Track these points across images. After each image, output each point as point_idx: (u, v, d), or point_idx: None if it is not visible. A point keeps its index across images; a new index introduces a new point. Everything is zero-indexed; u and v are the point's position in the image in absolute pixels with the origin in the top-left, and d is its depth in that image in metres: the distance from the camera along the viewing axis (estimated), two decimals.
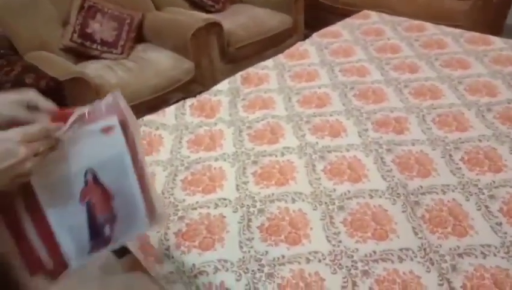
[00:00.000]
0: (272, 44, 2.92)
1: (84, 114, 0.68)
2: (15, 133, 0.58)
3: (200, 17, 2.59)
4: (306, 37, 2.36)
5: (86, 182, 0.71)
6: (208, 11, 2.96)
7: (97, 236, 0.76)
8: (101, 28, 2.48)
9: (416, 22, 2.30)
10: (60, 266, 0.74)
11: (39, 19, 2.40)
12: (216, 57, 2.65)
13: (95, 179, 0.72)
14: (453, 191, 1.23)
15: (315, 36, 2.24)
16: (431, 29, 2.22)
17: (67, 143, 0.67)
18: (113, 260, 1.82)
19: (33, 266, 0.71)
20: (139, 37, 2.67)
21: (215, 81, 2.04)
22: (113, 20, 2.53)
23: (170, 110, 1.70)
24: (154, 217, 0.84)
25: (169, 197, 1.28)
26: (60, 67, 2.15)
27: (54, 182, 0.68)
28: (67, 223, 0.72)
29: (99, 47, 2.49)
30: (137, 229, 0.85)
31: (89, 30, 2.46)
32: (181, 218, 1.20)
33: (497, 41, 2.03)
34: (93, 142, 0.70)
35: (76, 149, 0.68)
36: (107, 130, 0.71)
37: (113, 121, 0.72)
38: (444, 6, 2.86)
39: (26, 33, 2.34)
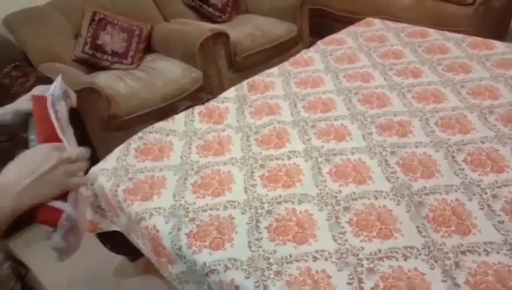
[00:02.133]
0: (277, 52, 2.97)
1: None
2: (47, 147, 0.66)
3: (207, 28, 2.66)
4: (311, 44, 2.41)
5: None
6: (215, 22, 3.03)
7: None
8: (111, 39, 2.56)
9: (419, 28, 2.34)
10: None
11: (52, 31, 2.48)
12: (223, 66, 2.72)
13: None
14: (456, 191, 1.26)
15: (319, 44, 2.29)
16: (434, 35, 2.25)
17: None
18: (126, 263, 1.87)
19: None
20: (148, 47, 2.75)
21: (223, 90, 2.09)
22: (123, 31, 2.60)
23: (180, 117, 1.75)
24: None
25: (180, 200, 1.33)
26: (72, 77, 2.22)
27: None
28: None
29: (109, 58, 2.56)
30: None
31: (99, 42, 2.53)
32: (192, 219, 1.25)
33: (499, 46, 2.06)
34: None
35: None
36: None
37: None
38: (446, 12, 2.90)
39: (40, 45, 2.42)
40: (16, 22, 2.42)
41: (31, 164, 0.61)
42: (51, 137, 0.72)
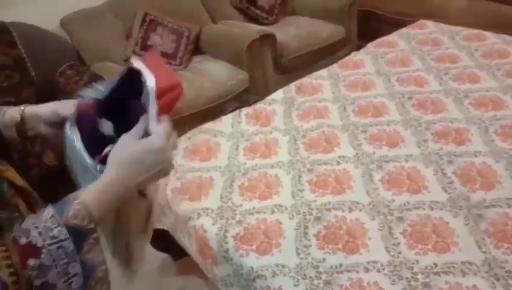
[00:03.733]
0: (324, 54, 2.93)
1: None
2: (159, 137, 0.65)
3: (255, 30, 2.66)
4: (359, 47, 2.35)
5: None
6: (262, 23, 3.02)
7: None
8: (161, 40, 2.61)
9: (475, 31, 2.22)
10: None
11: (105, 32, 2.56)
12: (269, 68, 2.70)
13: None
14: None
15: (370, 46, 2.23)
16: (491, 38, 2.14)
17: None
18: (169, 261, 1.89)
19: None
20: (196, 49, 2.78)
21: (268, 91, 2.08)
22: (172, 33, 2.65)
23: (227, 118, 1.75)
24: None
25: (227, 202, 1.32)
26: None
27: None
28: None
29: None
30: None
31: (149, 42, 2.59)
32: (239, 222, 1.24)
33: None
34: None
35: None
36: None
37: None
38: (503, 14, 2.75)
39: (93, 45, 2.51)
40: (72, 22, 2.52)
41: (143, 165, 0.64)
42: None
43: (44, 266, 0.52)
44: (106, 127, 0.74)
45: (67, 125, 0.72)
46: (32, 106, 0.74)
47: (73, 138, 0.70)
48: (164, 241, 1.62)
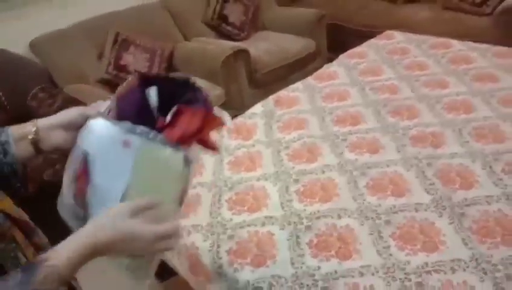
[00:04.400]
0: (296, 68, 2.99)
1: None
2: (150, 233, 0.63)
3: (228, 46, 2.69)
4: (329, 60, 2.42)
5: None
6: (234, 40, 3.06)
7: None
8: (134, 59, 2.60)
9: (441, 39, 2.33)
10: None
11: (76, 53, 2.53)
12: (244, 83, 2.74)
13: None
14: (497, 201, 1.24)
15: (342, 57, 2.30)
16: (456, 46, 2.25)
17: None
18: (155, 283, 1.85)
19: None
20: (170, 67, 2.78)
21: (244, 106, 2.10)
22: (145, 52, 2.64)
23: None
24: None
25: (216, 217, 1.32)
26: (98, 98, 2.24)
27: None
28: None
29: None
30: None
31: (122, 62, 2.57)
32: (230, 237, 1.24)
33: None
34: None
35: None
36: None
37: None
38: (466, 24, 2.90)
39: (65, 67, 2.47)
40: (42, 45, 2.48)
41: (129, 247, 0.63)
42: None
43: None
44: (152, 95, 0.72)
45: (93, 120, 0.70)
46: (43, 119, 0.73)
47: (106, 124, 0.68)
48: None
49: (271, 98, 1.98)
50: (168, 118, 0.69)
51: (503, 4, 2.72)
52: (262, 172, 1.50)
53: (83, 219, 0.68)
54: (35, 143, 0.70)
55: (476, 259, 1.07)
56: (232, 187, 1.44)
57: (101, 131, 0.68)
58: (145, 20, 2.82)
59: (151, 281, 1.83)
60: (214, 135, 0.75)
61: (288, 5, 3.63)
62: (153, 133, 0.67)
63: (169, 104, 0.70)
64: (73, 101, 2.18)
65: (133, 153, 0.66)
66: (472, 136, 1.52)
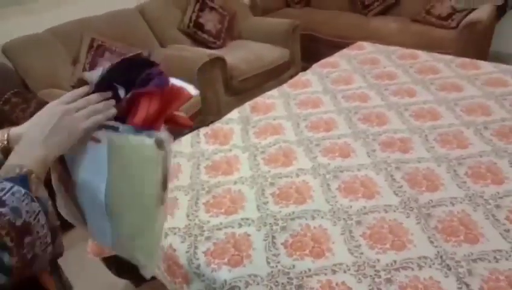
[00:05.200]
0: (271, 76, 3.05)
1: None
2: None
3: (204, 53, 2.72)
4: (303, 68, 2.50)
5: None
6: (209, 47, 3.10)
7: None
8: None
9: (409, 51, 2.45)
10: None
11: (50, 58, 2.50)
12: (220, 90, 2.77)
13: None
14: (461, 203, 1.32)
15: (315, 67, 2.37)
16: (423, 57, 2.36)
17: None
18: (131, 287, 1.85)
19: None
20: None
21: (220, 113, 2.14)
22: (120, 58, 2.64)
23: (186, 138, 1.78)
24: None
25: (194, 220, 1.35)
26: None
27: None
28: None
29: None
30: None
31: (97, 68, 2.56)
32: (208, 238, 1.26)
33: (486, 66, 2.17)
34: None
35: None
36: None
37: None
38: (432, 36, 3.04)
39: (39, 72, 2.44)
40: (15, 49, 2.44)
41: (40, 124, 0.65)
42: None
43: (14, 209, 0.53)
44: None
45: None
46: (15, 128, 0.73)
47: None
48: (125, 266, 1.59)
49: (247, 105, 2.02)
50: (123, 104, 0.70)
51: (467, 19, 2.88)
52: (239, 176, 1.54)
53: (82, 217, 0.70)
54: (6, 151, 0.69)
55: (441, 256, 1.14)
56: (210, 190, 1.47)
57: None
58: (121, 26, 2.83)
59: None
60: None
61: (263, 15, 3.71)
62: (117, 125, 0.68)
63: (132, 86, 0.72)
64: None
65: (105, 147, 0.68)
66: (438, 141, 1.61)
